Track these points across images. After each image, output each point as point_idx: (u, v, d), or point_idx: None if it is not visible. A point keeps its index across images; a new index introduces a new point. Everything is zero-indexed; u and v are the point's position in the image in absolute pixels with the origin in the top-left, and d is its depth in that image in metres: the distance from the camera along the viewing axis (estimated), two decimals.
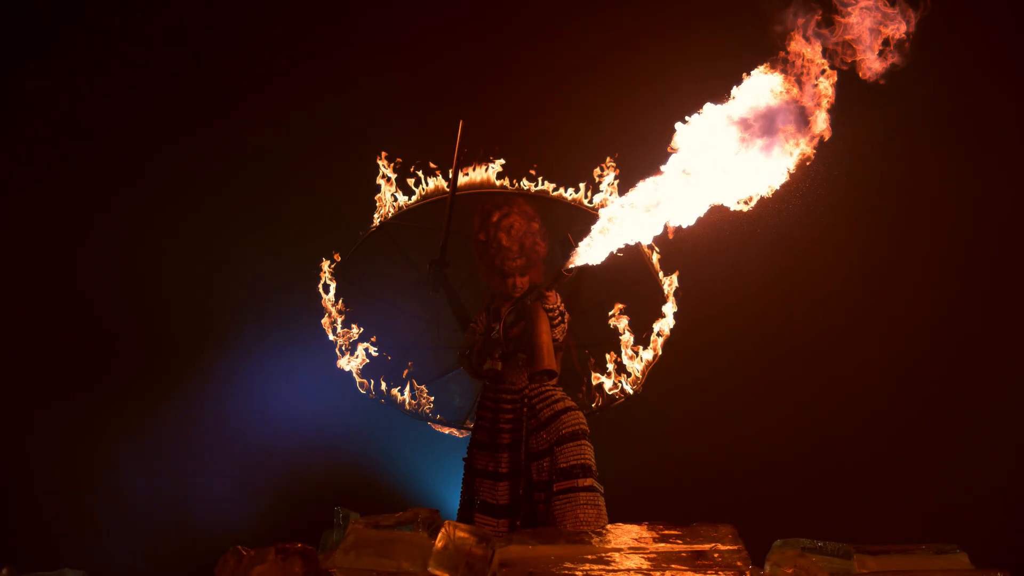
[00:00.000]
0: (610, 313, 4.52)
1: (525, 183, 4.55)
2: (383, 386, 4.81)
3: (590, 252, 3.57)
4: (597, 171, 4.54)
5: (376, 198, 4.70)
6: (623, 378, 4.55)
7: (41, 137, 6.21)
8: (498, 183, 4.55)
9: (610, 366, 4.57)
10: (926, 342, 6.00)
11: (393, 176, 4.65)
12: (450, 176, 4.44)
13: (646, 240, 3.63)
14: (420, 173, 4.64)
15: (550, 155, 4.74)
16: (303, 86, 6.55)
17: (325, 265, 4.75)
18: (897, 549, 3.30)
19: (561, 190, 4.56)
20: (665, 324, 4.53)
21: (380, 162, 4.66)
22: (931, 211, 5.97)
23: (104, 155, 6.33)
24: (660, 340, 4.52)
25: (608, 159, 4.50)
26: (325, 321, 4.73)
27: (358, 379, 4.76)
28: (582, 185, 4.58)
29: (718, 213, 3.52)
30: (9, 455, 5.78)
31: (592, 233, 3.56)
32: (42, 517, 5.71)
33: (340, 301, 4.75)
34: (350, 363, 4.73)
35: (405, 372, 4.87)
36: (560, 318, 4.21)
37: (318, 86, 6.55)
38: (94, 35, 6.26)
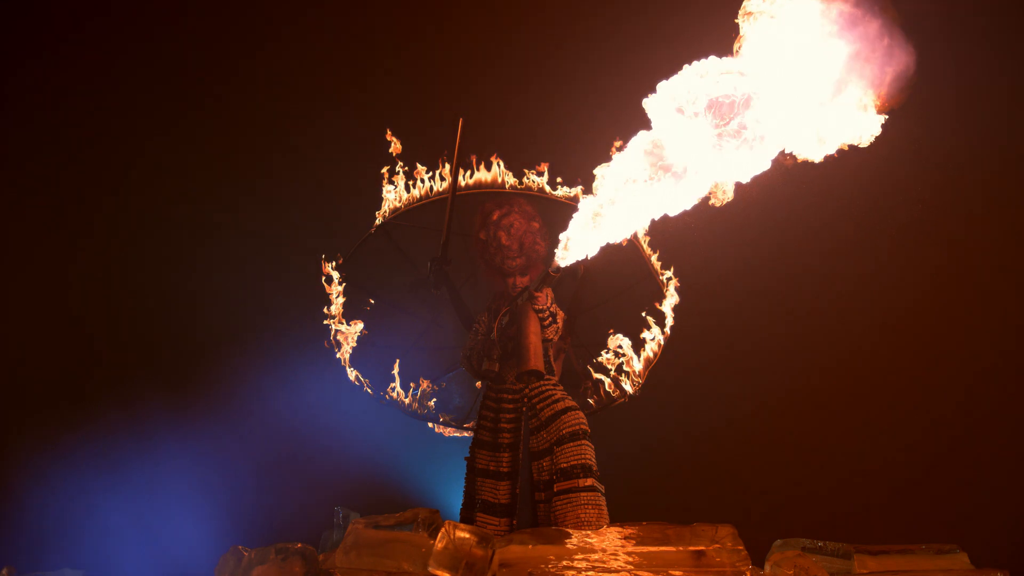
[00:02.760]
0: (606, 300, 4.53)
1: (526, 180, 4.53)
2: (383, 386, 4.80)
3: (577, 249, 3.55)
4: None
5: (383, 205, 4.67)
6: (623, 377, 4.54)
7: (42, 144, 6.24)
8: (493, 177, 4.53)
9: (611, 366, 4.57)
10: (927, 344, 6.00)
11: (396, 177, 4.63)
12: (450, 174, 4.43)
13: (630, 230, 3.60)
14: (423, 173, 4.62)
15: (553, 154, 4.72)
16: (305, 86, 6.55)
17: (329, 266, 4.72)
18: (897, 549, 3.31)
19: (565, 189, 4.52)
20: (665, 324, 4.52)
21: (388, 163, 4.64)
22: (934, 215, 5.96)
23: (101, 158, 6.35)
24: (660, 339, 4.52)
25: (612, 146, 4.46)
26: (332, 295, 4.68)
27: (351, 372, 4.73)
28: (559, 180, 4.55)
29: (716, 213, 3.51)
30: (10, 456, 5.78)
31: (575, 229, 3.55)
32: (42, 517, 5.71)
33: (343, 301, 4.73)
34: (351, 362, 4.72)
35: (397, 369, 4.85)
36: (551, 319, 4.21)
37: (319, 86, 6.55)
38: (96, 34, 6.26)
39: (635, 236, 4.50)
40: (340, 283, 4.67)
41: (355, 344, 4.68)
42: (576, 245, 3.55)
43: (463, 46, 6.46)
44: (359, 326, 4.69)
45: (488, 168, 4.55)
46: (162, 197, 6.44)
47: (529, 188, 4.51)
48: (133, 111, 6.37)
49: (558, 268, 3.68)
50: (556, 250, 3.63)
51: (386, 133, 4.59)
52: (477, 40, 6.45)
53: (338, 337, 4.68)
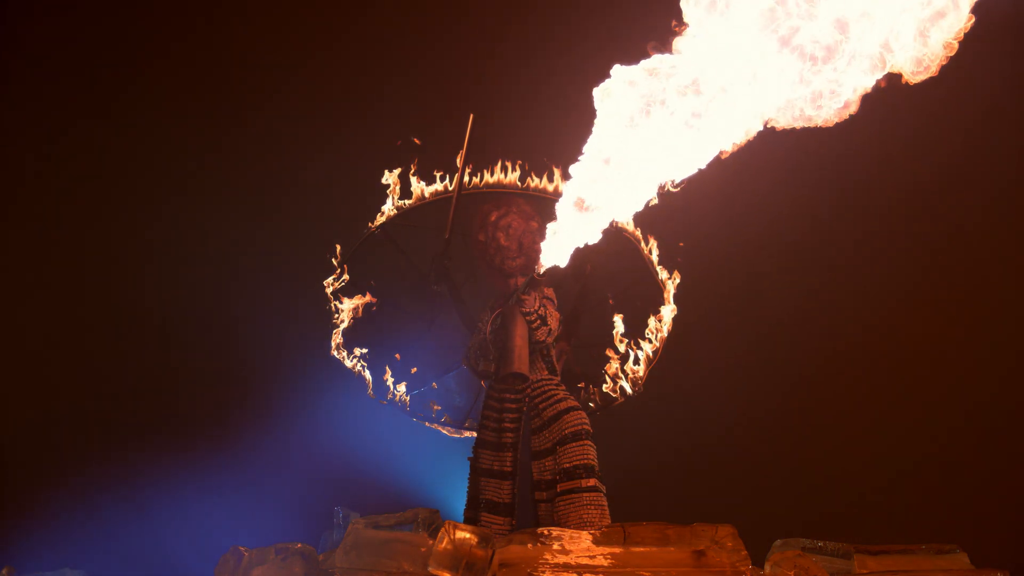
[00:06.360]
0: (607, 300, 4.53)
1: (529, 180, 4.53)
2: (384, 386, 4.79)
3: (562, 249, 3.53)
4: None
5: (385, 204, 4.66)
6: (623, 378, 4.54)
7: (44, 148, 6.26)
8: (497, 178, 4.53)
9: (611, 366, 4.57)
10: (928, 344, 5.99)
11: (400, 177, 4.62)
12: (458, 170, 4.41)
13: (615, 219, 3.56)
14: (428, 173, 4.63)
15: (555, 153, 4.71)
16: (308, 85, 6.56)
17: (333, 263, 4.72)
18: (897, 549, 3.31)
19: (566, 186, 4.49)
20: (665, 324, 4.52)
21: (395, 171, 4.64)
22: (932, 215, 5.96)
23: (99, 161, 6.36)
24: (660, 340, 4.51)
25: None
26: (330, 286, 4.69)
27: (347, 363, 4.72)
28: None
29: (715, 214, 3.50)
30: (12, 456, 5.78)
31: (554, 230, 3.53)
32: (42, 517, 5.71)
33: (344, 298, 4.73)
34: (352, 361, 4.72)
35: (397, 370, 4.85)
36: (539, 321, 4.21)
37: (322, 85, 6.55)
38: (99, 33, 6.27)
39: (634, 235, 4.51)
40: (341, 280, 4.68)
41: (351, 337, 4.69)
42: (558, 246, 3.53)
43: (471, 44, 6.46)
44: (358, 312, 4.69)
45: (492, 168, 4.55)
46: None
47: (532, 188, 4.51)
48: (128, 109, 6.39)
49: (543, 272, 3.70)
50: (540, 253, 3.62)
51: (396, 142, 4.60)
52: (485, 38, 6.45)
53: (339, 342, 4.69)
